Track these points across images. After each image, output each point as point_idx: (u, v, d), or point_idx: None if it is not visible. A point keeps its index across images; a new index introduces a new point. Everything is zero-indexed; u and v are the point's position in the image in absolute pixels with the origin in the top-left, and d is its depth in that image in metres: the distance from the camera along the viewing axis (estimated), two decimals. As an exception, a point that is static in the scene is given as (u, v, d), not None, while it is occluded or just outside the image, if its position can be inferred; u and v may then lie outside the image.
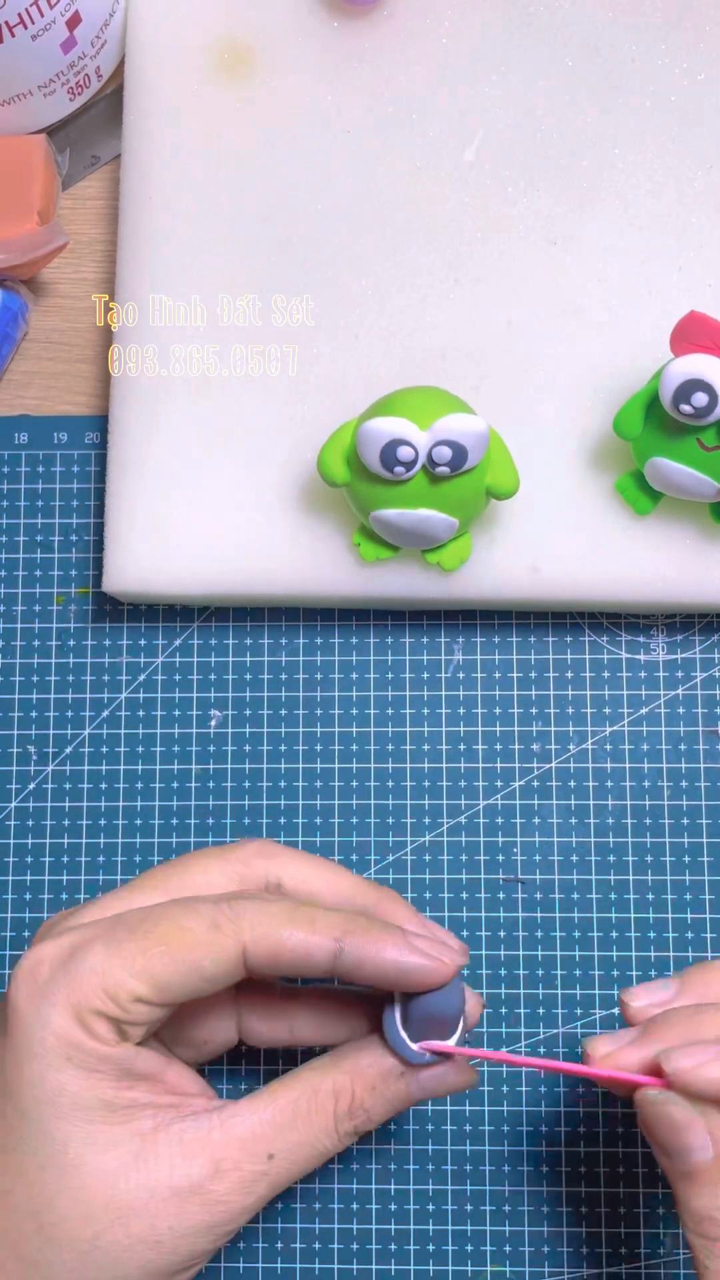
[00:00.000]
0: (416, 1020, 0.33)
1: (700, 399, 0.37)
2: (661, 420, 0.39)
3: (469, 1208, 0.42)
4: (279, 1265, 0.42)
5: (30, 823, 0.45)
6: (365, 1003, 0.37)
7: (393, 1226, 0.42)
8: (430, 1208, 0.42)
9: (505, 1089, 0.43)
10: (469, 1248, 0.42)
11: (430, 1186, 0.43)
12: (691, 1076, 0.31)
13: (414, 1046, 0.33)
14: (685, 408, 0.38)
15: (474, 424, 0.38)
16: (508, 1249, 0.42)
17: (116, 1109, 0.31)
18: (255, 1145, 0.32)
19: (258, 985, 0.37)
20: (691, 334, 0.38)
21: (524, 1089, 0.43)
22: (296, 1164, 0.32)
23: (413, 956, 0.33)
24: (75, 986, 0.31)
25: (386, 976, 0.33)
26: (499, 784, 0.44)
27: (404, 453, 0.38)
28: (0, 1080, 0.32)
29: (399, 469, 0.38)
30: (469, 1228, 0.42)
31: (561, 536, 0.43)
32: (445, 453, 0.38)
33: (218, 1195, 0.31)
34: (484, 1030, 0.43)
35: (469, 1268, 0.42)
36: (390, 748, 0.45)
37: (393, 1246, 0.42)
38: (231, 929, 0.32)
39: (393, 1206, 0.42)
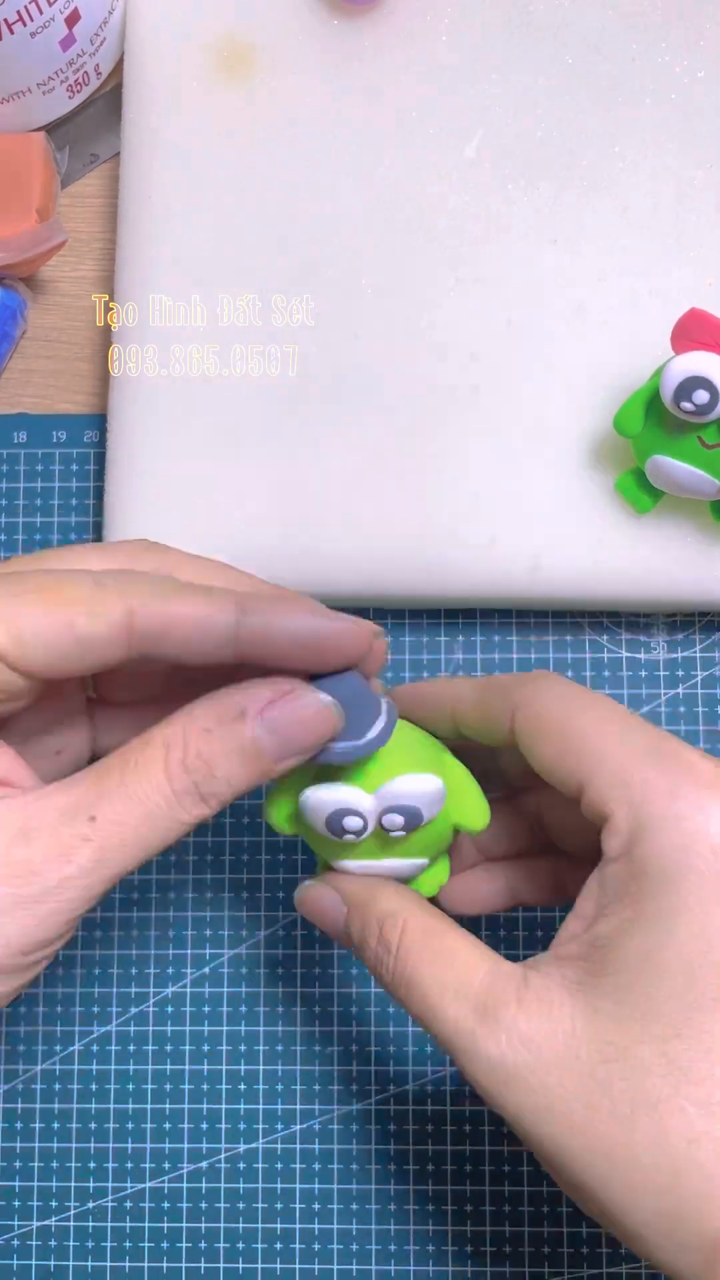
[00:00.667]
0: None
1: (701, 396, 0.37)
2: (662, 418, 0.39)
3: (469, 1208, 0.42)
4: (278, 1266, 0.42)
5: (29, 822, 0.45)
6: None
7: (392, 1227, 0.42)
8: (430, 1208, 0.42)
9: (505, 1089, 0.43)
10: (469, 1248, 0.42)
11: (430, 1187, 0.42)
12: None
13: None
14: (686, 405, 0.38)
15: (425, 784, 0.33)
16: (508, 1249, 0.42)
17: None
18: (74, 809, 0.28)
19: (112, 695, 0.34)
20: (692, 331, 0.38)
21: (524, 1089, 0.43)
22: (126, 827, 0.28)
23: (326, 619, 0.30)
24: None
25: (296, 647, 0.29)
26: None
27: (351, 822, 0.33)
28: None
29: (349, 836, 0.33)
30: (469, 1228, 0.42)
31: (562, 535, 0.43)
32: (397, 820, 0.33)
33: (29, 859, 0.27)
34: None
35: (469, 1268, 0.42)
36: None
37: (392, 1247, 0.42)
38: (117, 589, 0.28)
39: (392, 1206, 0.42)
